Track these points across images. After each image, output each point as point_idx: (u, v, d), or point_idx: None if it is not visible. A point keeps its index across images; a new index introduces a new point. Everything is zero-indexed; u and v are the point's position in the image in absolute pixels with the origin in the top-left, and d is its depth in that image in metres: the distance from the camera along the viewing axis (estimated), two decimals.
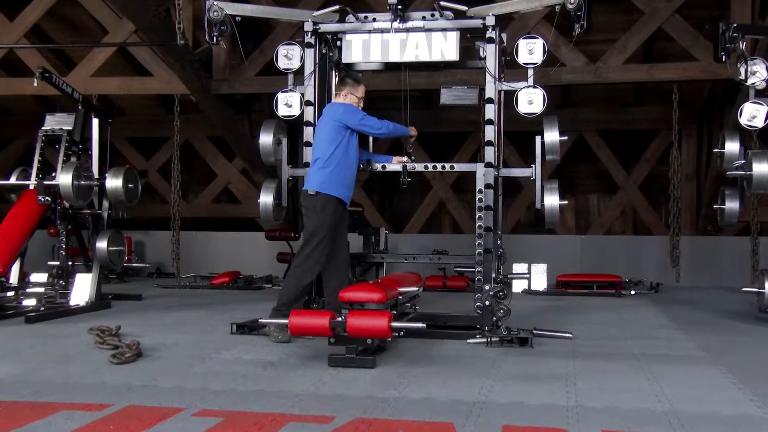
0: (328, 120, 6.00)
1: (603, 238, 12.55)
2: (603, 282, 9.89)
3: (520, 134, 8.90)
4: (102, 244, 7.56)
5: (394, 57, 6.31)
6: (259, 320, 5.42)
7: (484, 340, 5.59)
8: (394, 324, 4.64)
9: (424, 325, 4.79)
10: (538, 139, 6.01)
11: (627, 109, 13.01)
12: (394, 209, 14.95)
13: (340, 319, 4.69)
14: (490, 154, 5.97)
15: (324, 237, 5.86)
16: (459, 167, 6.60)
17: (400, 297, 5.52)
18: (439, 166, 6.31)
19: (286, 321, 4.80)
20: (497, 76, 6.00)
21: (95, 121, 7.97)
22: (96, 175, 7.72)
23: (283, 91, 6.50)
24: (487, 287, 5.83)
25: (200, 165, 14.34)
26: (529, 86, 6.04)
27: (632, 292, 9.66)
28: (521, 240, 11.59)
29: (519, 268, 9.67)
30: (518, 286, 9.77)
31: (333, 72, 6.71)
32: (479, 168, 5.99)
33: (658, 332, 6.47)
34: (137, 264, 10.95)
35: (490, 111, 5.98)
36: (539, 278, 9.82)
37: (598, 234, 13.01)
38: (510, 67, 6.66)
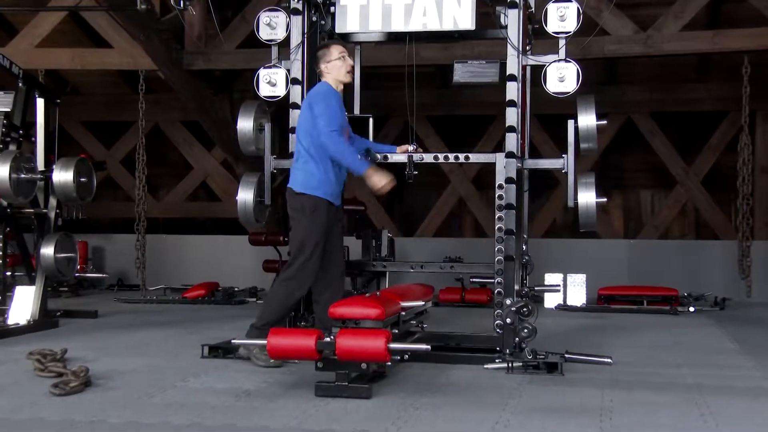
0: (304, 105, 6.06)
1: (656, 243, 12.56)
2: (655, 296, 9.92)
3: (554, 118, 8.90)
4: (48, 251, 7.58)
5: (398, 26, 6.35)
6: (233, 341, 5.47)
7: (505, 365, 5.63)
8: (393, 345, 4.68)
9: (429, 346, 4.83)
10: (570, 123, 6.03)
11: (687, 86, 12.96)
12: (404, 209, 14.98)
13: (328, 339, 4.73)
14: (512, 142, 6.00)
15: (317, 244, 5.91)
16: (475, 158, 6.63)
17: (403, 313, 5.55)
18: (451, 156, 6.34)
19: (264, 342, 4.85)
20: (521, 48, 6.02)
21: (40, 102, 8.01)
22: (41, 167, 7.76)
23: (265, 67, 6.55)
24: (508, 302, 5.86)
25: (173, 155, 14.44)
26: (559, 60, 6.06)
27: (691, 309, 9.66)
28: (557, 245, 11.64)
29: (552, 278, 9.71)
30: (552, 300, 9.81)
31: None
32: (499, 159, 6.02)
33: (721, 358, 6.49)
34: (93, 274, 11.02)
35: (513, 90, 6.01)
36: (577, 291, 9.85)
37: (650, 238, 12.99)
38: (539, 36, 6.69)
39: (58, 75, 13.46)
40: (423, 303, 5.99)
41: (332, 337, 4.73)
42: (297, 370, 5.53)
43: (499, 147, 6.06)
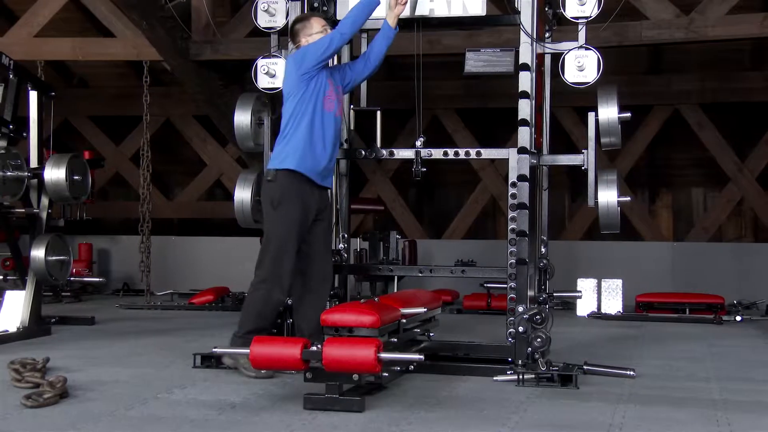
0: (288, 67, 6.07)
1: (703, 247, 12.41)
2: (698, 304, 9.84)
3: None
4: (38, 253, 7.63)
5: (403, 12, 6.33)
6: (213, 350, 5.54)
7: (515, 377, 5.63)
8: (384, 355, 4.70)
9: (422, 356, 4.85)
10: (591, 116, 6.04)
11: (740, 74, 12.75)
12: (434, 209, 14.96)
13: (314, 348, 4.77)
14: (525, 136, 6.02)
15: (288, 236, 5.88)
16: (486, 153, 6.59)
17: (404, 320, 5.56)
18: (461, 152, 6.34)
19: (247, 351, 4.90)
20: (535, 35, 6.02)
21: (32, 95, 8.08)
22: (34, 164, 7.85)
23: (263, 57, 6.60)
24: (520, 309, 5.87)
25: (187, 152, 14.55)
26: (579, 47, 6.06)
27: (737, 318, 9.55)
28: (594, 248, 11.59)
29: (585, 284, 9.68)
30: (584, 308, 9.78)
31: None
32: (511, 154, 6.05)
33: (758, 372, 6.42)
34: (89, 278, 11.15)
35: (526, 81, 6.03)
36: (612, 298, 9.81)
37: (700, 241, 12.85)
38: (563, 23, 6.68)
39: (63, 66, 13.68)
40: (426, 309, 5.98)
41: (319, 345, 4.77)
42: (291, 381, 5.56)
43: None
